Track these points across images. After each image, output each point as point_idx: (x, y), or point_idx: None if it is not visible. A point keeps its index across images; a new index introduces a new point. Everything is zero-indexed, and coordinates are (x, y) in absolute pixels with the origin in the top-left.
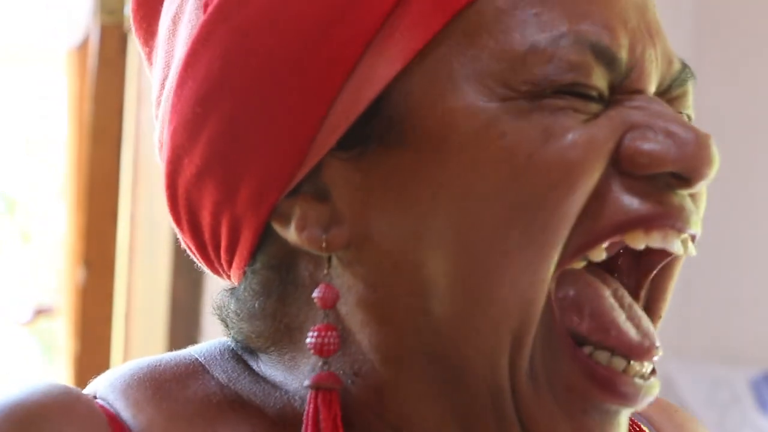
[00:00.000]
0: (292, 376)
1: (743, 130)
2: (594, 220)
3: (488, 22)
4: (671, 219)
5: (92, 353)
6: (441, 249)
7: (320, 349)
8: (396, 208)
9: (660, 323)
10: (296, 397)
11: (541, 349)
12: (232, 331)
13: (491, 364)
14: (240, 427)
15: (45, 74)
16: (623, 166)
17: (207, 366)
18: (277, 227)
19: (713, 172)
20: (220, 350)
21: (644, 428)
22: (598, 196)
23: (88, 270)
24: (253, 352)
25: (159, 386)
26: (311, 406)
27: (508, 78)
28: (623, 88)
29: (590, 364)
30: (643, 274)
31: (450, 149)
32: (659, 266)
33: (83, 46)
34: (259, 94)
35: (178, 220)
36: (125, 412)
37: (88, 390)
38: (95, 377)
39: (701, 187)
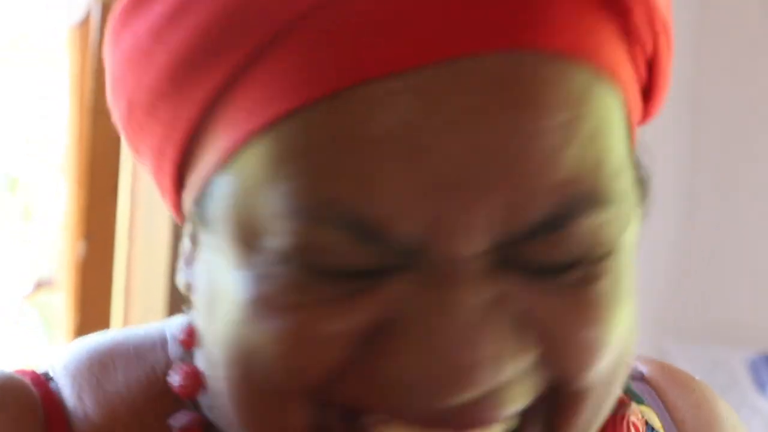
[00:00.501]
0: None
1: (742, 115)
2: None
3: (272, 158)
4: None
5: (91, 327)
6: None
7: (185, 392)
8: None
9: (658, 304)
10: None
11: None
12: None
13: None
14: (165, 416)
15: (46, 51)
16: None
17: (170, 343)
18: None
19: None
20: (159, 333)
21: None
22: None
23: (88, 244)
24: None
25: (105, 371)
26: None
27: (254, 244)
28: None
29: None
30: None
31: (222, 257)
32: None
33: (84, 23)
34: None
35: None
36: (70, 400)
37: (48, 365)
38: None
39: None
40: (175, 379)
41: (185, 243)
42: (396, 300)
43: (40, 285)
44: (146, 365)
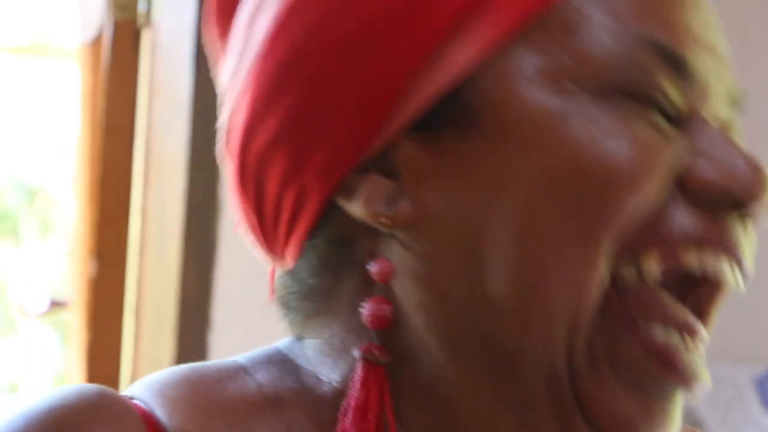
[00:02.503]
0: (339, 363)
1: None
2: (651, 230)
3: (565, 21)
4: (724, 241)
5: (103, 344)
6: (502, 236)
7: (374, 320)
8: (463, 193)
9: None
10: (338, 390)
11: (600, 331)
12: (290, 314)
13: (547, 351)
14: (275, 425)
15: (59, 68)
16: (686, 189)
17: (250, 369)
18: (342, 201)
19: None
20: (268, 354)
21: None
22: (659, 209)
23: (99, 263)
24: (303, 343)
25: (196, 387)
26: (359, 375)
27: (581, 77)
28: (691, 110)
29: (649, 339)
30: (690, 304)
31: (521, 142)
32: (706, 297)
33: (96, 42)
34: (338, 68)
35: (244, 191)
36: (160, 410)
37: (125, 393)
38: (106, 368)
39: (757, 215)
40: (366, 308)
41: (380, 184)
42: (694, 142)
43: (55, 303)
44: (238, 384)
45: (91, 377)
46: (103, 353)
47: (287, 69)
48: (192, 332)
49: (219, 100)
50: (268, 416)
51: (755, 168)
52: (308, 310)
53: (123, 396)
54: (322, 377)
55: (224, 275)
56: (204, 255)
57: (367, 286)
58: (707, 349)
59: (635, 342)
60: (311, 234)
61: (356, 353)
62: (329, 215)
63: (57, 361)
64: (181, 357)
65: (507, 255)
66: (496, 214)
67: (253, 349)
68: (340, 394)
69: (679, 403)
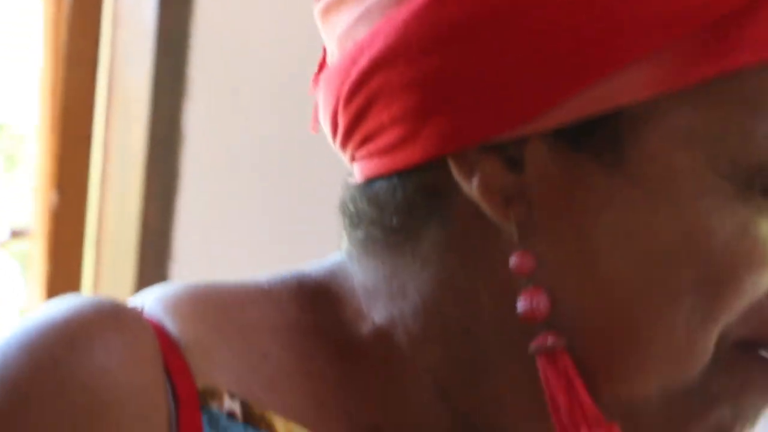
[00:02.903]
0: (390, 303)
1: None
2: (754, 327)
3: (751, 96)
4: None
5: (64, 275)
6: (608, 284)
7: (529, 314)
8: (582, 224)
9: None
10: (378, 328)
11: (712, 376)
12: (355, 231)
13: (634, 393)
14: (296, 349)
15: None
16: None
17: (273, 293)
18: (455, 170)
19: None
20: (297, 279)
21: None
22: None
23: (60, 193)
24: (347, 271)
25: (212, 304)
26: (545, 370)
27: (738, 159)
28: None
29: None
30: None
31: (660, 201)
32: None
33: None
34: (528, 39)
35: (347, 100)
36: (173, 325)
37: (133, 303)
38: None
39: None
40: (522, 303)
41: (501, 172)
42: None
43: (15, 233)
44: (259, 308)
45: None
46: (63, 283)
47: (470, 23)
48: (153, 262)
49: (183, 29)
50: (289, 340)
51: None
52: (378, 239)
53: (137, 310)
54: (366, 313)
55: (186, 206)
56: (166, 186)
57: (450, 255)
58: None
59: (759, 368)
60: (400, 170)
61: (532, 348)
62: (432, 166)
63: (17, 291)
64: (142, 287)
65: (608, 305)
66: (608, 258)
67: (213, 279)
68: (377, 336)
69: None
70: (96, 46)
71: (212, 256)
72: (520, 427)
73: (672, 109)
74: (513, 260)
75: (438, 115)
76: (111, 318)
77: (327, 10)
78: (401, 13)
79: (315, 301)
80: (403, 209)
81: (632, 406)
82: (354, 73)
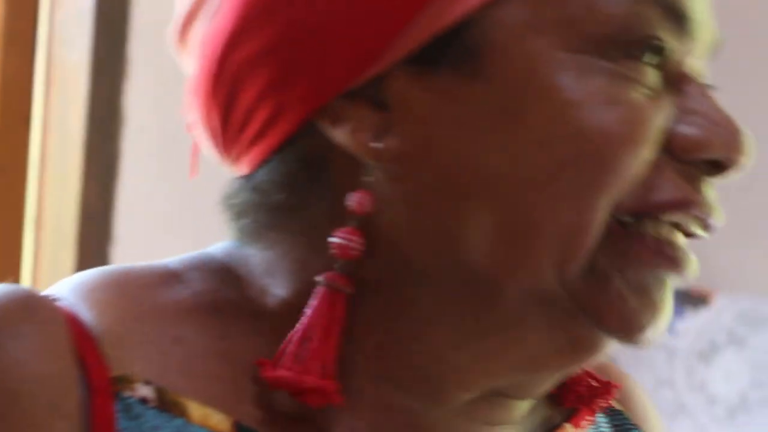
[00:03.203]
0: (292, 279)
1: None
2: (635, 195)
3: None
4: (703, 209)
5: (3, 257)
6: (493, 180)
7: (343, 252)
8: (456, 135)
9: None
10: (285, 304)
11: (604, 251)
12: (241, 221)
13: (535, 282)
14: (207, 330)
15: None
16: (670, 149)
17: (183, 275)
18: (325, 125)
19: (748, 164)
20: (202, 260)
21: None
22: (645, 173)
23: None
24: (246, 253)
25: (126, 290)
26: (317, 301)
27: (585, 30)
28: (681, 63)
29: (653, 242)
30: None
31: (520, 91)
32: None
33: None
34: None
35: (213, 91)
36: (86, 312)
37: (48, 292)
38: (5, 280)
39: (733, 177)
40: (337, 238)
41: (368, 114)
42: (682, 103)
43: None
44: (171, 290)
45: None
46: (2, 265)
47: None
48: (93, 244)
49: (123, 9)
50: (201, 321)
51: (736, 129)
52: (266, 222)
53: (49, 297)
54: (269, 290)
55: (126, 187)
56: (106, 167)
57: (339, 213)
58: None
59: (640, 245)
60: (279, 148)
61: (319, 279)
62: (303, 135)
63: None
64: (82, 269)
65: (496, 199)
66: (488, 158)
67: (154, 260)
68: (286, 309)
69: (671, 293)
70: (34, 26)
71: (153, 238)
72: (447, 357)
73: (511, 4)
74: (353, 198)
75: (294, 78)
76: (22, 308)
77: (183, 33)
78: None
79: (222, 280)
80: (286, 185)
81: (542, 298)
82: (212, 65)
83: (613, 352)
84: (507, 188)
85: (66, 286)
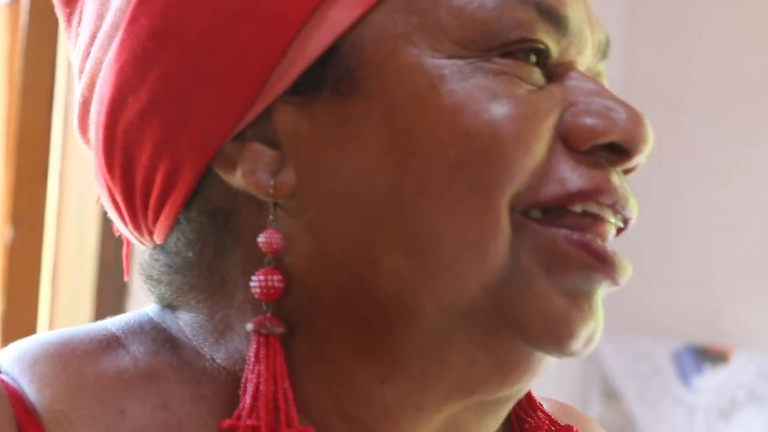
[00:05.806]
0: (222, 340)
1: (672, 104)
2: (537, 189)
3: None
4: (608, 195)
5: (19, 312)
6: (391, 201)
7: (264, 292)
8: (345, 159)
9: None
10: (221, 367)
11: (523, 248)
12: (160, 288)
13: (456, 292)
14: (151, 400)
15: None
16: (566, 141)
17: (123, 340)
18: (221, 171)
19: (649, 148)
20: (140, 323)
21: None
22: (543, 166)
23: (15, 228)
24: (176, 316)
25: (68, 361)
26: (253, 349)
27: (457, 35)
28: (563, 59)
29: (575, 235)
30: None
31: (400, 103)
32: None
33: (15, 2)
34: (213, 33)
35: (110, 166)
36: (29, 388)
37: None
38: (21, 337)
39: (637, 162)
40: (256, 280)
41: (261, 153)
42: (568, 92)
43: None
44: (111, 358)
45: (6, 345)
46: (18, 321)
47: (160, 35)
48: (110, 299)
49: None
50: (144, 391)
51: (633, 113)
52: (182, 284)
53: None
54: (203, 353)
55: None
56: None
57: (254, 259)
58: (626, 322)
59: (563, 239)
60: (185, 207)
61: (249, 327)
62: (205, 187)
63: None
64: None
65: (395, 217)
66: (381, 180)
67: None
68: (223, 372)
69: (601, 297)
70: (52, 79)
71: None
72: (374, 396)
73: (381, 18)
74: (261, 238)
75: (180, 131)
76: None
77: (83, 122)
78: (114, 59)
79: (162, 344)
80: (197, 241)
81: (463, 312)
82: (102, 137)
83: (631, 409)
84: (403, 203)
85: (9, 357)
